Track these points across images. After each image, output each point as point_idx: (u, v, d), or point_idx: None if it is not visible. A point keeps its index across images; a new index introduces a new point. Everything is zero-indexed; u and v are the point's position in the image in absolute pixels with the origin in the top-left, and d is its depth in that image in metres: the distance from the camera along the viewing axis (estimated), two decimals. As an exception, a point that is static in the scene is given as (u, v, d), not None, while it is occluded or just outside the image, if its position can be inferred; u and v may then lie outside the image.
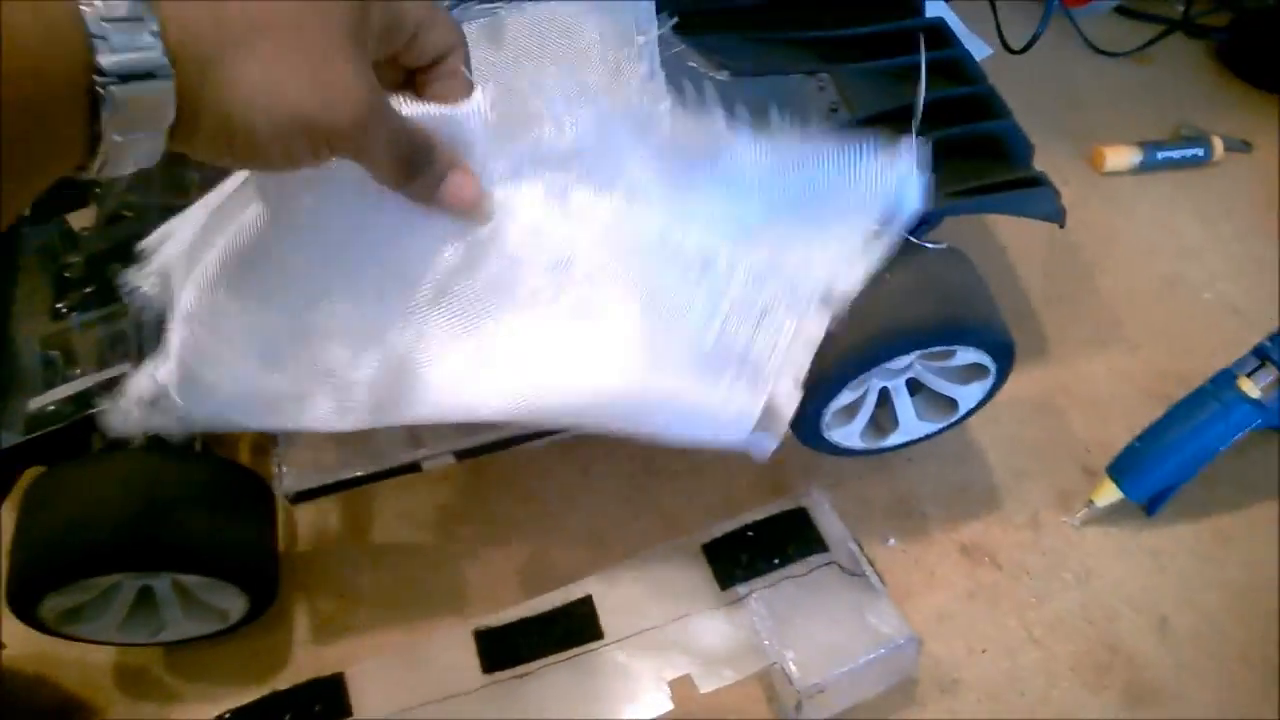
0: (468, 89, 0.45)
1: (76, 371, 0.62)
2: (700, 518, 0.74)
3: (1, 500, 0.62)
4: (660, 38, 0.76)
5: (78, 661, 0.68)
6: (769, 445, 0.55)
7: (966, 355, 0.65)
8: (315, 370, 0.48)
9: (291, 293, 0.47)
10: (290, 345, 0.48)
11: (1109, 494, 0.74)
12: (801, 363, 0.54)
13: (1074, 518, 0.76)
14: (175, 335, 0.47)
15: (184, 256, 0.48)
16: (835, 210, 0.55)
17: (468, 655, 0.64)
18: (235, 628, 0.67)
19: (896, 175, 0.54)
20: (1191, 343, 0.85)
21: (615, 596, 0.66)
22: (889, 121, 0.72)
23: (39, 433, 0.60)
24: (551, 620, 0.65)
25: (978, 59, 0.91)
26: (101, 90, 0.31)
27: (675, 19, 0.76)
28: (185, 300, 0.46)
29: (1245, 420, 0.70)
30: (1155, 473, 0.73)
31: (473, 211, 0.47)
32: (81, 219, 0.69)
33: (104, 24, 0.31)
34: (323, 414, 0.50)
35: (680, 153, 0.55)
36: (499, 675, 0.63)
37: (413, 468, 0.62)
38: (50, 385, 0.61)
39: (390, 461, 0.60)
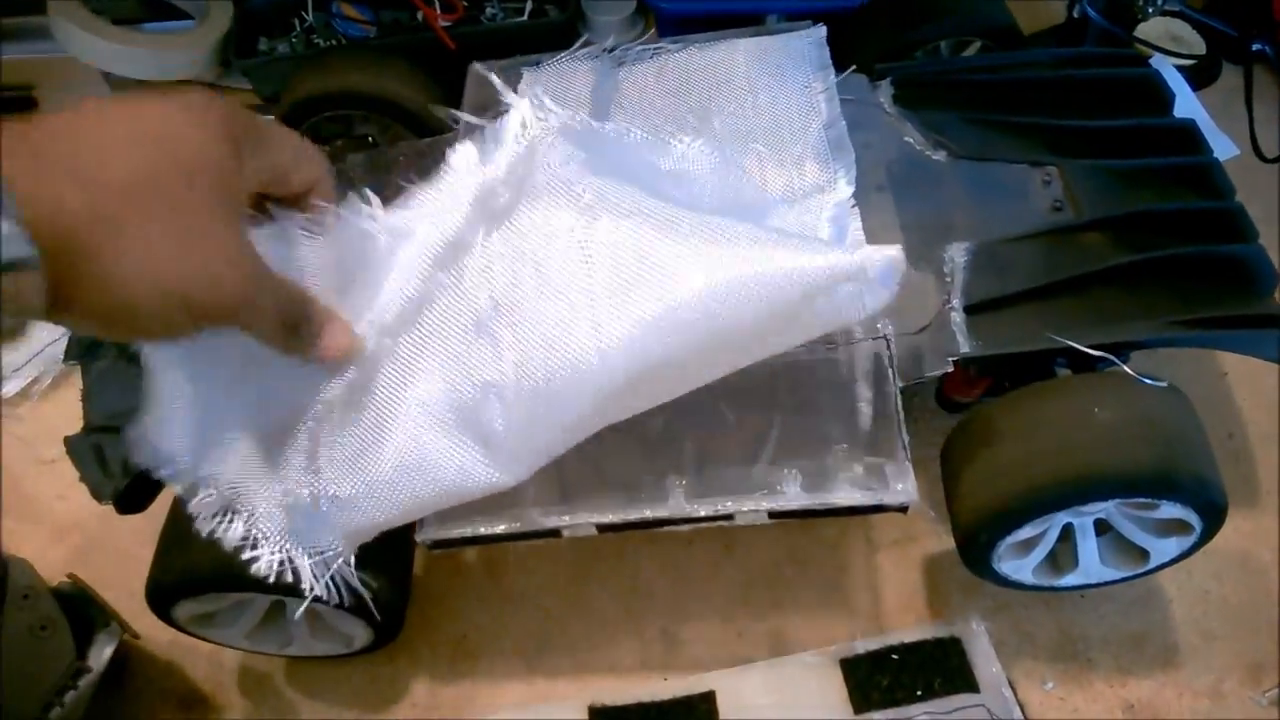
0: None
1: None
2: (843, 621, 0.70)
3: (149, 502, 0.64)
4: (867, 100, 0.72)
5: (209, 655, 0.69)
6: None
7: (1171, 510, 0.58)
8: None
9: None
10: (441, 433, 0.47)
11: (1310, 678, 0.66)
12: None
13: (1261, 695, 0.68)
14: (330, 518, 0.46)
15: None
16: None
17: (580, 732, 0.62)
18: (358, 653, 0.67)
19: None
20: None
21: (740, 698, 0.63)
22: (1116, 228, 0.66)
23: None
24: (670, 711, 0.63)
25: (1224, 158, 0.83)
26: None
27: (893, 89, 0.72)
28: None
29: None
30: (1371, 668, 0.64)
31: (347, 359, 0.45)
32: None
33: None
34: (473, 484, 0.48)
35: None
36: (608, 758, 0.61)
37: (553, 533, 0.60)
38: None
39: (532, 525, 0.58)
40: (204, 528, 0.46)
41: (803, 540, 0.74)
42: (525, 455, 0.48)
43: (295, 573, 0.47)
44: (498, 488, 0.48)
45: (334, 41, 0.98)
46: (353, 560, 0.48)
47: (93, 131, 0.34)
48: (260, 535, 0.46)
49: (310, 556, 0.47)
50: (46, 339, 0.89)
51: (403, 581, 0.65)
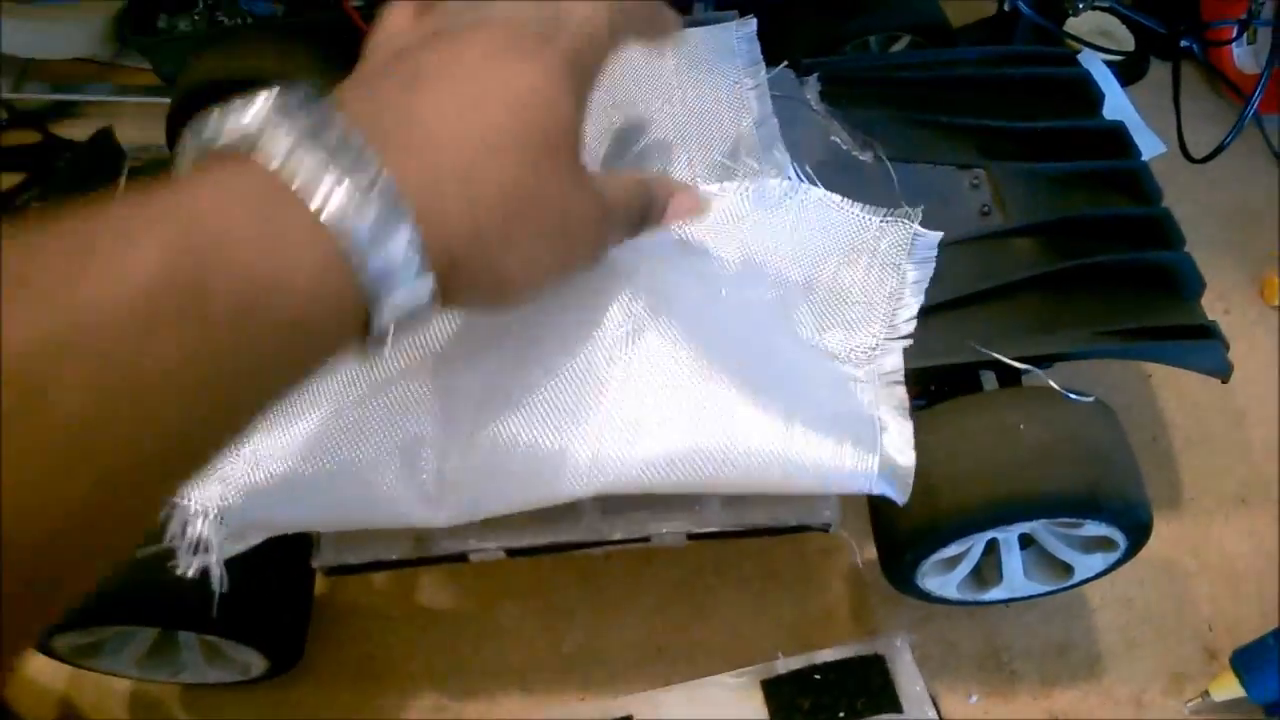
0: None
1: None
2: (768, 633, 0.68)
3: None
4: (797, 98, 0.69)
5: (97, 683, 0.65)
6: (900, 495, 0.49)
7: (1097, 528, 0.57)
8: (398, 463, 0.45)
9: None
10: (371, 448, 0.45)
11: (1229, 688, 0.65)
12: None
13: (1184, 705, 0.67)
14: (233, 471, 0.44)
15: None
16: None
17: (491, 761, 0.59)
18: (258, 679, 0.63)
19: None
20: (1354, 520, 0.75)
21: (659, 722, 0.61)
22: (1044, 234, 0.64)
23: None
24: (586, 737, 0.60)
25: (1151, 155, 0.82)
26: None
27: (820, 85, 0.70)
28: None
29: None
30: (1288, 680, 0.63)
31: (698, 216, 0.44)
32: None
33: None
34: (401, 511, 0.46)
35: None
36: (520, 788, 0.59)
37: (460, 558, 0.57)
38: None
39: (436, 550, 0.55)
40: None
41: (726, 550, 0.71)
42: (455, 503, 0.46)
43: (165, 522, 0.44)
44: (416, 524, 0.46)
45: (239, 20, 0.93)
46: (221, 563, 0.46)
47: (454, 113, 0.31)
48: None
49: (196, 520, 0.45)
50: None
51: (301, 604, 0.61)
